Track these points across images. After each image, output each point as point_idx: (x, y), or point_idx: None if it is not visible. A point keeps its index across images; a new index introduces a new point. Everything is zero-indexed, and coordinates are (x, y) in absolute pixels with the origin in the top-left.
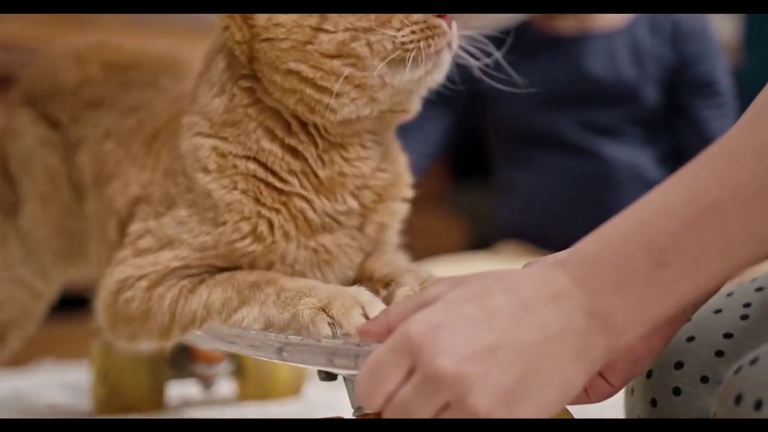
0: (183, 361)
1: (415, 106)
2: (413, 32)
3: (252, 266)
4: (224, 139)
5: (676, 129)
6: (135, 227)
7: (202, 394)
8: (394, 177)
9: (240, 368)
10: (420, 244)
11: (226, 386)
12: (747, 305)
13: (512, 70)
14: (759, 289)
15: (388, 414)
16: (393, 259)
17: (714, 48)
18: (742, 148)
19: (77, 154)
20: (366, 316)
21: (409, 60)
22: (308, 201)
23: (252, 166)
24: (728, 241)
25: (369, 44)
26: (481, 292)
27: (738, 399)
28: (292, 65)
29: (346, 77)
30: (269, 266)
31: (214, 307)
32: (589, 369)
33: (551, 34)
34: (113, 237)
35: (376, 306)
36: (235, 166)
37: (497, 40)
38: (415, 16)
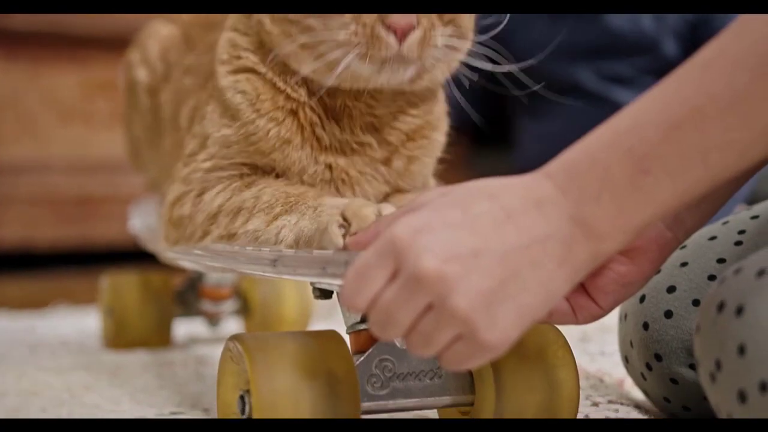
0: (189, 298)
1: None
2: (356, 34)
3: (272, 167)
4: (245, 34)
5: None
6: (187, 137)
7: (208, 331)
8: (425, 122)
9: (246, 306)
10: None
11: (232, 323)
12: (741, 232)
13: (533, 23)
14: (754, 217)
15: (373, 317)
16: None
17: None
18: (719, 57)
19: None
20: (378, 211)
21: (349, 58)
22: (318, 116)
23: (263, 69)
24: (706, 148)
25: (325, 25)
26: (465, 199)
27: (720, 306)
28: (260, 16)
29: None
30: (286, 171)
31: (260, 204)
32: (572, 275)
33: None
34: None
35: (389, 207)
36: (248, 69)
37: None
38: (368, 18)
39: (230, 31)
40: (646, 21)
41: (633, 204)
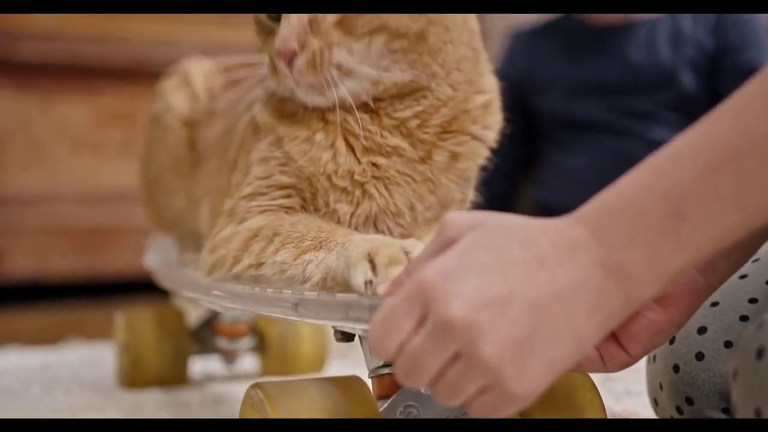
0: (206, 335)
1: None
2: (268, 63)
3: (312, 184)
4: None
5: None
6: (231, 176)
7: (224, 369)
8: (459, 112)
9: (262, 343)
10: None
11: (248, 361)
12: None
13: (554, 62)
14: None
15: (400, 364)
16: None
17: (758, 35)
18: (755, 97)
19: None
20: None
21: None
22: (355, 122)
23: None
24: (743, 189)
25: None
26: (496, 242)
27: (760, 352)
28: None
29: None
30: (330, 178)
31: (293, 234)
32: (604, 324)
33: (596, 24)
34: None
35: None
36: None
37: (543, 32)
38: (271, 51)
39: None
40: (663, 52)
41: (668, 249)
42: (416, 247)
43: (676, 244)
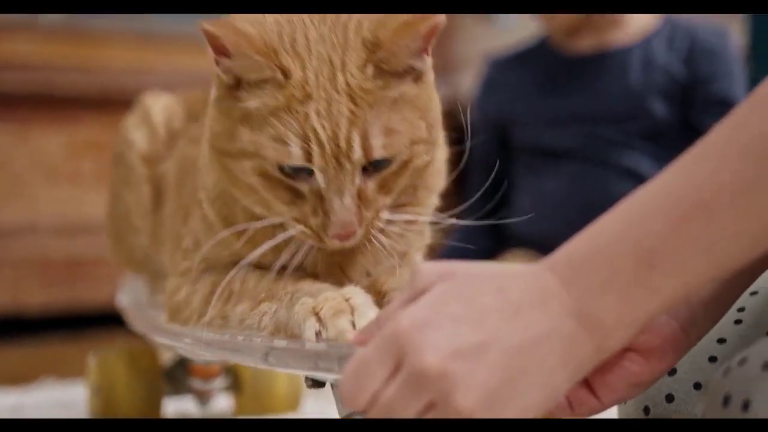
0: (179, 376)
1: None
2: (303, 234)
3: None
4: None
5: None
6: (183, 228)
7: (198, 410)
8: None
9: (236, 383)
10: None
11: (222, 401)
12: (741, 310)
13: (532, 90)
14: (753, 294)
15: (373, 414)
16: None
17: (731, 67)
18: (726, 146)
19: (160, 164)
20: (353, 322)
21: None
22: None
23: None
24: (714, 239)
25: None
26: (469, 290)
27: (726, 400)
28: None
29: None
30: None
31: (246, 293)
32: (576, 372)
33: (570, 54)
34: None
35: (367, 311)
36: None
37: (519, 60)
38: (314, 222)
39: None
40: (634, 79)
41: (638, 298)
42: (355, 293)
43: (646, 292)
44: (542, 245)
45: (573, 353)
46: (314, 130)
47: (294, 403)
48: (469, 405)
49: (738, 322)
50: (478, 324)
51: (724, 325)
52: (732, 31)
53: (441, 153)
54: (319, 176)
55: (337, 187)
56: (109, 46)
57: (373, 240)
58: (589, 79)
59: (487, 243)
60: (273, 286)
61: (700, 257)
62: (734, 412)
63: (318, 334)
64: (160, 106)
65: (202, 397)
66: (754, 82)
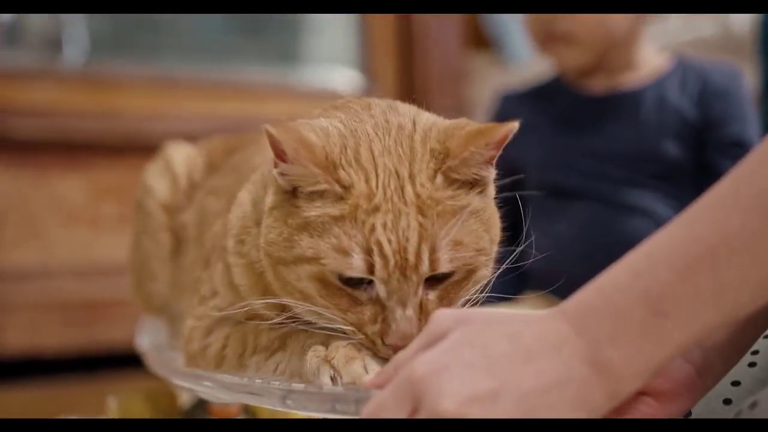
0: (198, 416)
1: None
2: (359, 341)
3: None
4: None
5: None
6: (203, 274)
7: None
8: None
9: None
10: None
11: None
12: (755, 353)
13: (544, 129)
14: (766, 336)
15: None
16: None
17: (744, 108)
18: (733, 197)
19: (180, 214)
20: (365, 367)
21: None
22: None
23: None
24: (721, 288)
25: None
26: (484, 337)
27: None
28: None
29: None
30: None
31: (260, 345)
32: (588, 416)
33: (583, 94)
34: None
35: (376, 358)
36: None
37: (531, 98)
38: (370, 329)
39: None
40: (647, 121)
41: (648, 346)
42: (373, 365)
43: (656, 340)
44: (559, 287)
45: (585, 399)
46: (379, 243)
47: None
48: None
49: (752, 365)
50: (492, 370)
51: (739, 368)
52: (744, 71)
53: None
54: (380, 288)
55: (400, 298)
56: (127, 92)
57: None
58: (601, 120)
59: (504, 287)
60: (285, 336)
61: (708, 305)
62: None
63: (333, 379)
64: (181, 155)
65: None
66: (766, 122)
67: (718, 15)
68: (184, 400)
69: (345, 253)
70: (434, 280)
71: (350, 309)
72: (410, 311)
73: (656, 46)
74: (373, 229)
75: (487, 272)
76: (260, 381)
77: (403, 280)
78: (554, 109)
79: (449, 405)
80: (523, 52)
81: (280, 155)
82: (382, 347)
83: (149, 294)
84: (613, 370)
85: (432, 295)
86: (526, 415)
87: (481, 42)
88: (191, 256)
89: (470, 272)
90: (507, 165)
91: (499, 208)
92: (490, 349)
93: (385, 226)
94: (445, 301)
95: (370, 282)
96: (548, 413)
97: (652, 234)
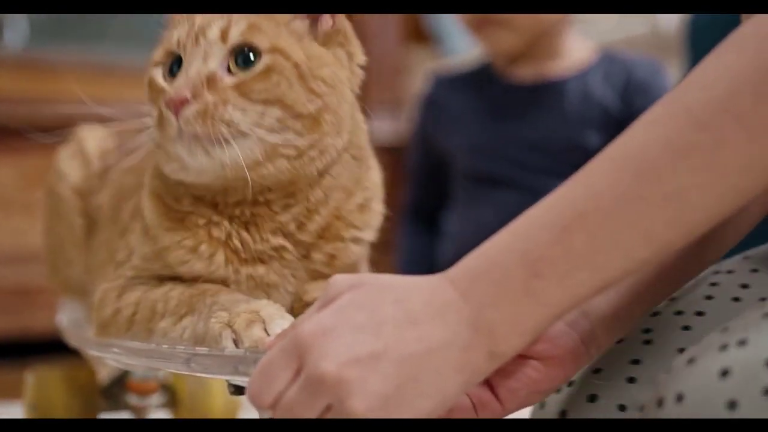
0: (116, 392)
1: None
2: (156, 117)
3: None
4: None
5: None
6: (119, 242)
7: None
8: (332, 219)
9: (173, 399)
10: None
11: (159, 417)
12: (647, 331)
13: (469, 115)
14: (654, 314)
15: (277, 414)
16: None
17: None
18: (603, 161)
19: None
20: (266, 330)
21: (143, 145)
22: (228, 230)
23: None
24: (594, 251)
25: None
26: (372, 301)
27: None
28: None
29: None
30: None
31: (168, 310)
32: (469, 379)
33: (510, 82)
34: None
35: (277, 320)
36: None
37: (461, 82)
38: (160, 103)
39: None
40: (571, 113)
41: (527, 307)
42: (266, 305)
43: (535, 301)
44: None
45: (467, 361)
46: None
47: (232, 417)
48: (361, 410)
49: (647, 342)
50: (377, 333)
51: (635, 347)
52: (669, 64)
53: (375, 174)
54: (182, 54)
55: (189, 60)
56: (66, 78)
57: (219, 136)
58: (526, 109)
59: (424, 267)
60: (194, 300)
61: (582, 266)
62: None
63: (235, 342)
64: (94, 138)
65: (139, 413)
66: None
67: (648, 15)
68: (103, 375)
69: (169, 37)
70: (236, 70)
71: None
72: (193, 72)
73: (584, 41)
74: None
75: (308, 107)
76: (166, 346)
77: (192, 46)
78: (484, 96)
79: (329, 366)
80: (460, 46)
81: None
82: (163, 109)
83: (65, 279)
84: (494, 331)
85: (228, 79)
86: (405, 377)
87: (420, 36)
88: (105, 235)
89: (270, 68)
90: (437, 149)
91: (420, 184)
92: (377, 312)
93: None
94: (242, 90)
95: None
96: (429, 376)
97: None
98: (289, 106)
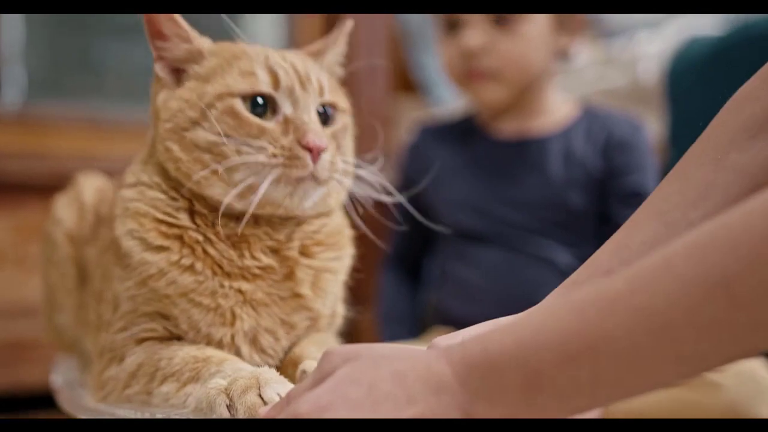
0: None
1: (301, 211)
2: (275, 156)
3: (177, 311)
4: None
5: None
6: (102, 305)
7: None
8: (322, 238)
9: None
10: None
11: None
12: None
13: (452, 172)
14: None
15: None
16: (321, 340)
17: (644, 159)
18: (620, 302)
19: (86, 246)
20: (261, 397)
21: (266, 178)
22: (216, 249)
23: (152, 211)
24: (597, 382)
25: (238, 151)
26: (369, 375)
27: None
28: (168, 144)
29: (212, 171)
30: (189, 298)
31: (172, 371)
32: None
33: (493, 137)
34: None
35: (273, 386)
36: (141, 213)
37: (444, 135)
38: (285, 141)
39: (126, 188)
40: (554, 172)
41: (522, 411)
42: (264, 371)
43: (529, 411)
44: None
45: None
46: (276, 63)
47: None
48: None
49: None
50: (374, 410)
51: None
52: (649, 120)
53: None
54: (285, 104)
55: (305, 106)
56: (61, 133)
57: (332, 174)
58: (511, 166)
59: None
60: (199, 365)
61: (581, 394)
62: None
63: (229, 409)
64: (92, 186)
65: None
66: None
67: (628, 67)
68: None
69: (250, 73)
70: (324, 121)
71: (261, 135)
72: (314, 115)
73: (568, 95)
74: (267, 56)
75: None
76: (161, 416)
77: (302, 91)
78: (467, 151)
79: None
80: (447, 96)
81: (156, 33)
82: (301, 151)
83: (59, 328)
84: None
85: (325, 130)
86: None
87: (408, 86)
88: (91, 289)
89: (346, 127)
90: (420, 199)
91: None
92: (374, 389)
93: (274, 56)
94: (334, 141)
95: (275, 111)
96: None
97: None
98: (343, 150)
